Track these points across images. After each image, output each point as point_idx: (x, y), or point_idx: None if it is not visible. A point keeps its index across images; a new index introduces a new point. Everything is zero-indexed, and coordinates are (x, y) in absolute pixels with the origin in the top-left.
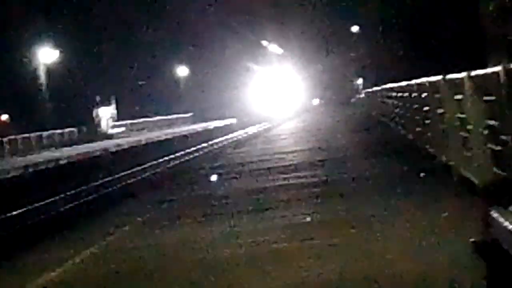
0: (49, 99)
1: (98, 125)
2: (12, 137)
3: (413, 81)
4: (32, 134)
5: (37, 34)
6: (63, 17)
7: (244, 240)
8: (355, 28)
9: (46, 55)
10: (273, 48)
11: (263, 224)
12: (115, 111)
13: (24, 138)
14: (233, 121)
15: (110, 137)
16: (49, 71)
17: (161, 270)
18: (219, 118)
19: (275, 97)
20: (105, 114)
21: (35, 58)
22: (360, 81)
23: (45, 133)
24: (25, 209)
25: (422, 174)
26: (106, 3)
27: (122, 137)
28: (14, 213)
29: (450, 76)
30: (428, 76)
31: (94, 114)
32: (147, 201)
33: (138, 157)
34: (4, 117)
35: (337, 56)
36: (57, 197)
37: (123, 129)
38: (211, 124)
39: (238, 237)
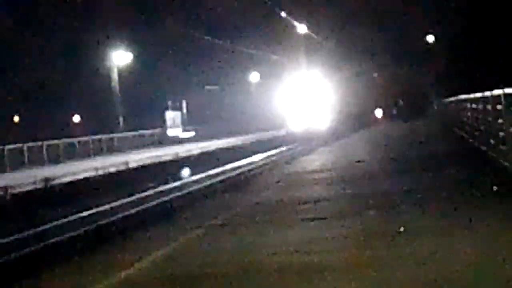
0: (120, 101)
1: (170, 128)
2: (84, 138)
3: (488, 93)
4: (103, 136)
5: (111, 36)
6: (136, 20)
7: (315, 248)
8: (430, 38)
9: (119, 58)
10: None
11: (335, 231)
12: (185, 115)
13: (94, 140)
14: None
15: (180, 141)
16: (121, 73)
17: (232, 274)
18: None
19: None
20: (176, 118)
21: (108, 60)
22: (432, 91)
23: (116, 135)
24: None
25: (495, 188)
26: (179, 7)
27: (193, 141)
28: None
29: None
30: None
31: (164, 118)
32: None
33: (209, 162)
34: (76, 118)
35: (408, 65)
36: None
37: (193, 133)
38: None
39: (308, 244)
